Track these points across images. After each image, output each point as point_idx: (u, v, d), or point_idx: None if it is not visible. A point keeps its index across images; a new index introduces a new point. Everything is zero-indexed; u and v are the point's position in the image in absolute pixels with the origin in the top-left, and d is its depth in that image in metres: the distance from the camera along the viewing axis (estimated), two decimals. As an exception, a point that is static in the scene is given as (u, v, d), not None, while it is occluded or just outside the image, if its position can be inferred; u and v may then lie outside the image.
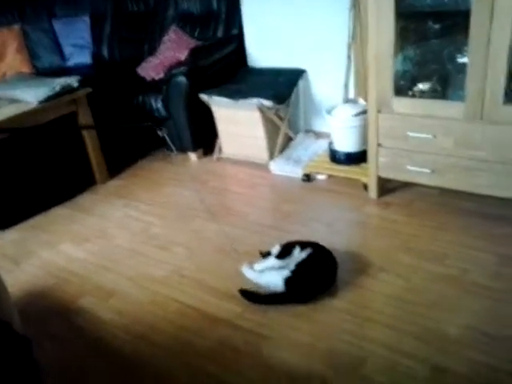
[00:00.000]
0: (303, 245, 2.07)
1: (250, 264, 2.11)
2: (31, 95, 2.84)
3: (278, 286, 1.96)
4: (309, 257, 2.00)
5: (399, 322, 1.81)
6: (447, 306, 1.87)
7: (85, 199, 3.13)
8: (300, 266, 1.98)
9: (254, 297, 2.00)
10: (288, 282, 1.94)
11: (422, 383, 1.57)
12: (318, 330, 1.84)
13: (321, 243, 2.10)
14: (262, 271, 2.07)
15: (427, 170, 2.38)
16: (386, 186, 2.70)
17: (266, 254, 2.16)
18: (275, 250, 2.13)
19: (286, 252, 2.08)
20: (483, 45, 2.01)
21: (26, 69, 4.17)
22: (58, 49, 4.28)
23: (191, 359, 1.79)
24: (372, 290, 2.00)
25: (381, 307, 1.91)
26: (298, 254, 2.03)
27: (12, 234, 2.82)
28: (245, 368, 1.72)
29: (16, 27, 4.21)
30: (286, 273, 1.95)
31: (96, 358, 1.88)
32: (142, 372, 1.77)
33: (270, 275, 2.02)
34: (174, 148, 2.95)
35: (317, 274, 1.99)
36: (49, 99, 2.84)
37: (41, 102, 2.81)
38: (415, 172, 2.42)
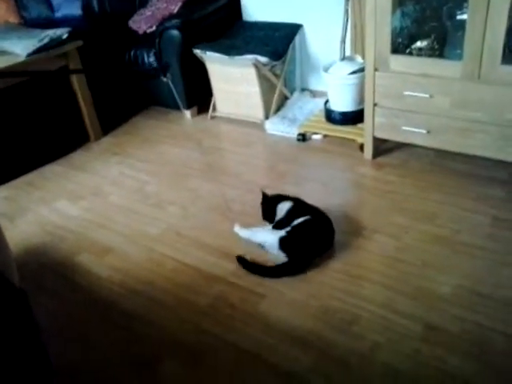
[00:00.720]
0: (303, 211, 2.07)
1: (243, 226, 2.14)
2: (20, 47, 2.76)
3: (273, 245, 1.98)
4: (306, 221, 2.00)
5: (393, 281, 1.85)
6: (440, 266, 1.90)
7: (78, 156, 3.10)
8: (296, 228, 1.99)
9: (250, 266, 1.99)
10: (283, 241, 1.95)
11: (415, 341, 1.61)
12: (312, 288, 1.87)
13: (316, 205, 2.11)
14: (256, 231, 2.09)
15: (423, 131, 2.37)
16: (382, 147, 2.70)
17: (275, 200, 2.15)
18: (286, 205, 2.11)
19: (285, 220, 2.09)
20: (483, 2, 1.97)
21: (12, 19, 4.02)
22: (45, -1, 4.13)
23: (187, 315, 1.83)
24: (366, 250, 2.03)
25: (375, 267, 1.94)
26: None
27: (4, 191, 2.80)
28: (241, 325, 1.76)
29: (0, -26, 4.04)
30: (282, 233, 1.97)
31: (92, 313, 1.91)
32: (138, 327, 1.81)
33: (266, 234, 2.04)
34: (179, 101, 2.81)
35: (313, 237, 1.99)
36: (38, 51, 2.76)
37: (29, 55, 2.73)
38: (411, 132, 2.41)
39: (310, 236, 1.98)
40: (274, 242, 1.97)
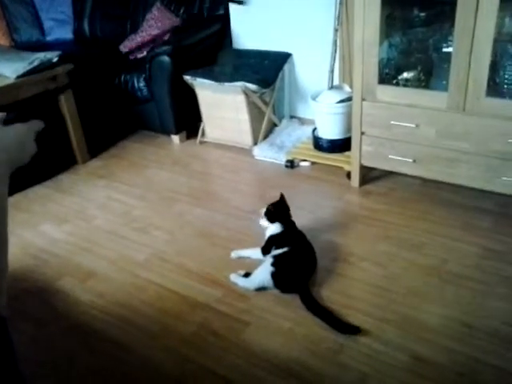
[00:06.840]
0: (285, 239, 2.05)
1: (237, 272, 2.07)
2: (9, 69, 2.75)
3: (269, 282, 1.94)
4: (285, 253, 1.98)
5: (379, 310, 1.84)
6: (427, 296, 1.89)
7: (65, 179, 3.07)
8: (277, 257, 1.97)
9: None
10: (275, 276, 1.93)
11: (401, 372, 1.59)
12: (297, 316, 1.85)
13: (304, 231, 2.11)
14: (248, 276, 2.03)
15: (409, 160, 2.39)
16: (369, 175, 2.72)
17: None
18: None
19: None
20: (468, 35, 2.02)
21: (3, 41, 4.04)
22: (37, 22, 4.16)
23: (170, 342, 1.79)
24: (352, 278, 2.02)
25: (361, 295, 1.93)
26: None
27: (-12, 213, 2.75)
28: (224, 353, 1.73)
29: (-7, -2, 4.07)
30: (271, 268, 1.94)
31: (73, 340, 1.86)
32: (120, 354, 1.77)
33: (259, 275, 1.98)
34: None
35: (297, 268, 1.97)
36: (28, 74, 2.75)
37: (19, 77, 2.72)
38: (397, 161, 2.43)
39: (295, 268, 1.96)
40: (267, 277, 1.94)
